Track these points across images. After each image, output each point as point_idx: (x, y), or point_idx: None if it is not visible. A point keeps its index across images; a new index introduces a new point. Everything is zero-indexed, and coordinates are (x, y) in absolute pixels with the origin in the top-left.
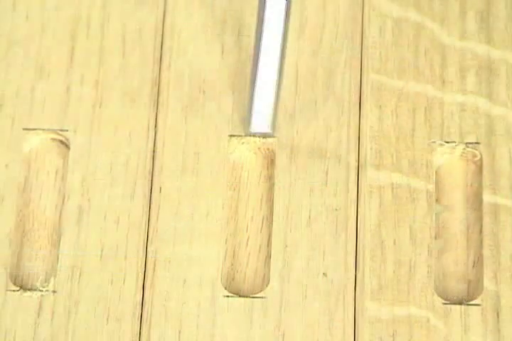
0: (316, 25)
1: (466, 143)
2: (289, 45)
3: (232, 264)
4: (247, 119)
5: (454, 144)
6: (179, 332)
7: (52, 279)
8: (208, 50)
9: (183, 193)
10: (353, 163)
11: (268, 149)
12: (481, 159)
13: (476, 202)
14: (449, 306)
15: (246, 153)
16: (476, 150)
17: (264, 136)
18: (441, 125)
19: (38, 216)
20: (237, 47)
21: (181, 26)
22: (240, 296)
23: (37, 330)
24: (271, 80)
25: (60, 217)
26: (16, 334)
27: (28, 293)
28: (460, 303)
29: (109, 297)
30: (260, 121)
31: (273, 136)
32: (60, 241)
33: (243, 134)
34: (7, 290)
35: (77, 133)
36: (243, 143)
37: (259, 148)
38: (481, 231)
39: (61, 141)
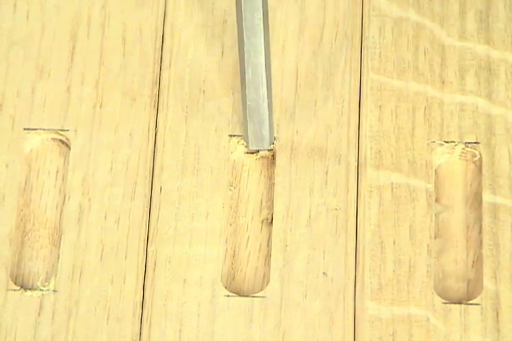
0: (316, 25)
1: (466, 143)
2: (289, 45)
3: (232, 264)
4: (244, 138)
5: (453, 144)
6: (179, 331)
7: (52, 279)
8: (208, 50)
9: (183, 193)
10: (353, 163)
11: (268, 149)
12: (480, 159)
13: (475, 201)
14: (448, 305)
15: (246, 153)
16: (476, 150)
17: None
18: (440, 125)
19: (38, 216)
20: (237, 47)
21: (181, 26)
22: (240, 296)
23: (37, 330)
24: (261, 99)
25: (60, 216)
26: (16, 333)
27: (29, 293)
28: (460, 303)
29: (109, 297)
30: (258, 140)
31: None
32: (60, 240)
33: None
34: (8, 289)
35: (78, 133)
36: (243, 143)
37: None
38: (480, 231)
39: (62, 141)
